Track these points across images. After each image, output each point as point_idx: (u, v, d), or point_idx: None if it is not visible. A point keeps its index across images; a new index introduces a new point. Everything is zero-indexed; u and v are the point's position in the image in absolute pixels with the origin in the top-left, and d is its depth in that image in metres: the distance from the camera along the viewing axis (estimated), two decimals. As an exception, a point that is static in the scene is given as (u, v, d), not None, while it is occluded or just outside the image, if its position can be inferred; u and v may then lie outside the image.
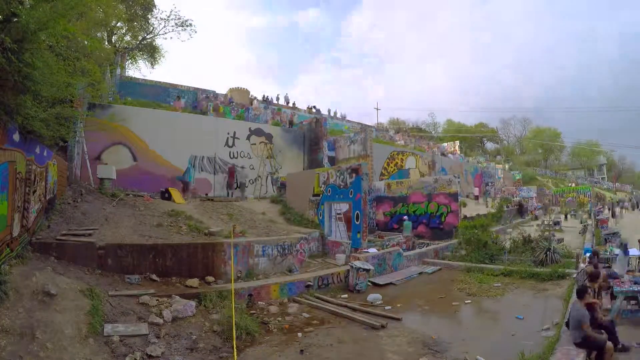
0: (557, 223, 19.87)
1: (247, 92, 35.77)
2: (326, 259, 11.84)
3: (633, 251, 9.31)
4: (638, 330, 6.02)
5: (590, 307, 5.12)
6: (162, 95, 24.33)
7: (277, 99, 33.72)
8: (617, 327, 5.51)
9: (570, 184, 47.12)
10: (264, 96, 33.50)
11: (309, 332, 6.86)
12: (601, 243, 13.12)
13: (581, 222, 21.28)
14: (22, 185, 6.78)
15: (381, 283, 10.29)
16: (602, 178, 59.34)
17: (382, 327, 6.94)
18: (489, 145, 71.06)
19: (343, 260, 10.96)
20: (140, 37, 24.41)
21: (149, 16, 24.13)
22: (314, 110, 33.18)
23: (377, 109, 48.18)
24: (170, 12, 29.45)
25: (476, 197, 29.52)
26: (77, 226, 9.01)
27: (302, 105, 34.60)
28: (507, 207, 23.90)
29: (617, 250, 9.86)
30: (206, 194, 16.91)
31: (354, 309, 8.02)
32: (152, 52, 25.90)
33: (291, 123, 24.51)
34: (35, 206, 7.68)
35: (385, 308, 8.17)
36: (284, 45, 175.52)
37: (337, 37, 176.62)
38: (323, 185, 14.05)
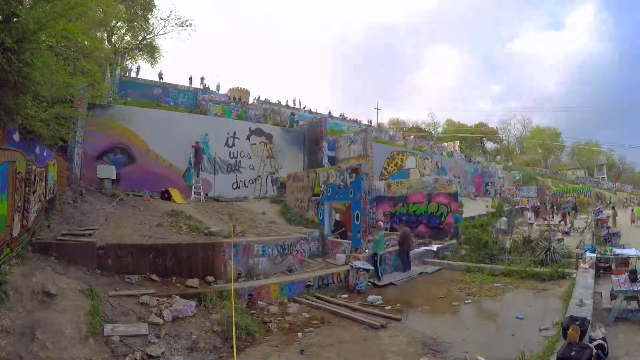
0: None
1: (248, 92, 35.74)
2: (326, 259, 11.83)
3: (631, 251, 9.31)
4: (638, 330, 6.01)
5: None
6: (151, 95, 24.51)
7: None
8: (618, 327, 5.51)
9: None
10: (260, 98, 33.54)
11: (309, 332, 6.86)
12: (601, 243, 13.10)
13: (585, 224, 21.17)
14: (22, 185, 6.78)
15: (381, 283, 10.29)
16: (602, 178, 59.32)
17: (382, 327, 6.94)
18: (489, 145, 71.08)
19: (343, 260, 10.95)
20: (140, 37, 24.44)
21: (149, 16, 24.17)
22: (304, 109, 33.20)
23: (377, 109, 48.24)
24: (170, 12, 29.57)
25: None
26: (77, 226, 9.01)
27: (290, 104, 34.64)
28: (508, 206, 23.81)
29: (617, 250, 9.85)
30: (206, 194, 16.92)
31: (354, 309, 8.01)
32: (152, 52, 25.93)
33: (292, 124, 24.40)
34: (35, 206, 7.68)
35: (386, 308, 8.17)
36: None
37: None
38: (323, 185, 14.04)
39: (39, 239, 7.61)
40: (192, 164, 16.72)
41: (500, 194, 34.68)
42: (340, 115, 38.31)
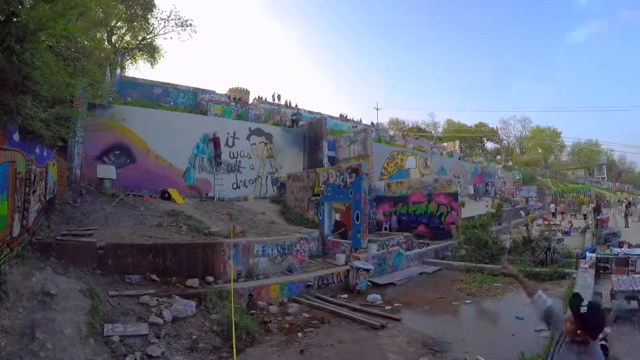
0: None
1: (247, 92, 35.74)
2: (326, 259, 11.83)
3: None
4: (638, 330, 6.01)
5: None
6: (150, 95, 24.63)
7: (277, 97, 33.82)
8: (617, 327, 5.50)
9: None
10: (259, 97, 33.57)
11: (309, 332, 6.85)
12: (601, 243, 13.10)
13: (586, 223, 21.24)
14: (22, 185, 6.78)
15: (381, 283, 10.29)
16: (602, 178, 59.35)
17: (382, 327, 6.94)
18: (489, 145, 71.13)
19: (343, 260, 10.95)
20: (140, 37, 24.42)
21: (149, 16, 24.14)
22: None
23: (377, 109, 48.21)
24: (170, 12, 29.56)
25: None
26: (77, 226, 9.00)
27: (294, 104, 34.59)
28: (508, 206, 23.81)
29: (616, 250, 9.87)
30: (206, 194, 16.93)
31: (354, 309, 8.01)
32: (152, 52, 25.92)
33: (294, 121, 24.32)
34: (35, 206, 7.68)
35: (386, 308, 8.16)
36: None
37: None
38: (323, 185, 14.04)
39: (39, 239, 7.60)
40: (213, 157, 17.50)
41: (499, 193, 34.69)
42: (341, 116, 38.30)
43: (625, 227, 19.46)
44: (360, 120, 39.54)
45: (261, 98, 33.18)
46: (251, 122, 21.96)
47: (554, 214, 28.16)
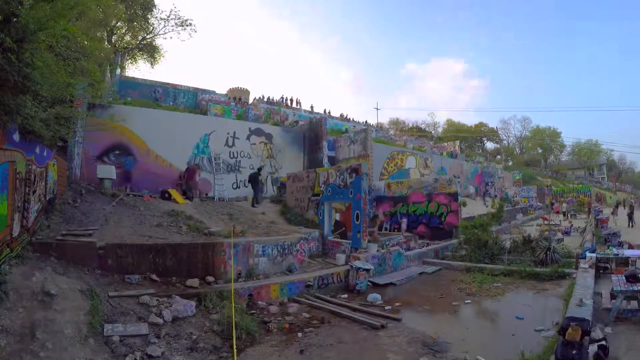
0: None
1: (247, 92, 35.74)
2: (326, 259, 11.83)
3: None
4: (638, 330, 6.01)
5: None
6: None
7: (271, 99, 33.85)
8: (618, 327, 5.49)
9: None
10: (263, 97, 33.56)
11: (309, 332, 6.85)
12: (601, 243, 13.10)
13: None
14: (22, 185, 6.78)
15: (381, 283, 10.29)
16: (602, 178, 59.36)
17: (382, 327, 6.93)
18: (489, 145, 71.14)
19: (343, 260, 10.95)
20: (140, 37, 24.44)
21: (149, 16, 24.16)
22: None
23: (377, 109, 48.22)
24: (170, 12, 29.56)
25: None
26: (77, 226, 9.00)
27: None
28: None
29: (616, 250, 9.86)
30: (206, 194, 16.93)
31: (354, 309, 8.01)
32: (152, 52, 25.95)
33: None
34: (35, 206, 7.68)
35: (385, 308, 8.16)
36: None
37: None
38: (323, 185, 14.04)
39: (39, 239, 7.60)
40: (182, 189, 15.20)
41: (498, 194, 34.67)
42: (341, 116, 38.31)
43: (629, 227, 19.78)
44: (366, 122, 39.53)
45: (262, 98, 33.21)
46: (251, 122, 21.98)
47: (563, 214, 28.75)
